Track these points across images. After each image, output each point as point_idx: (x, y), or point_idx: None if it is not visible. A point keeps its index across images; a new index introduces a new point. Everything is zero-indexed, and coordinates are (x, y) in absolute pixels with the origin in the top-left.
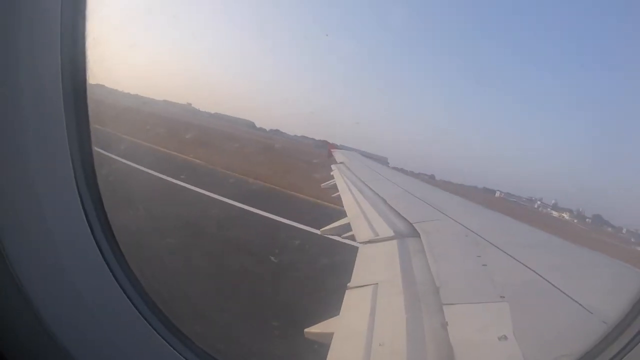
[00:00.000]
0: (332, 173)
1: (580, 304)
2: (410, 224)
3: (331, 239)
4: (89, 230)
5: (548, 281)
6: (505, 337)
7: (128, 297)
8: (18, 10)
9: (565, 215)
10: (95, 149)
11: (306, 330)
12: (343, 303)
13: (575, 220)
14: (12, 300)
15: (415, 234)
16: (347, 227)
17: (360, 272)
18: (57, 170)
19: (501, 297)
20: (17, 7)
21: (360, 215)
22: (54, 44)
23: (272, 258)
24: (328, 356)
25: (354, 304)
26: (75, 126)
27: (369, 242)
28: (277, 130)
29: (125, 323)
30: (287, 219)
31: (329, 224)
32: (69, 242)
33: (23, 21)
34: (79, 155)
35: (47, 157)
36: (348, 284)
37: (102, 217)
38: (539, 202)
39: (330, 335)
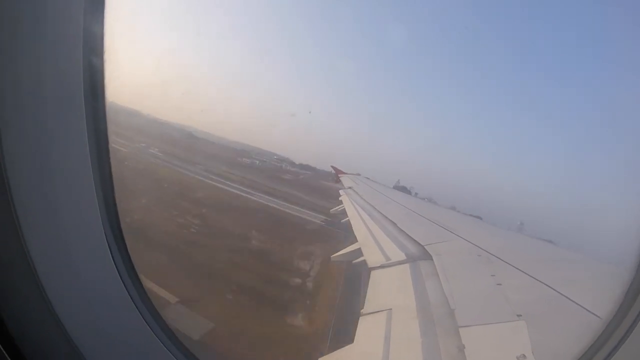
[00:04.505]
0: (340, 198)
1: (599, 317)
2: (422, 246)
3: None
4: (104, 235)
5: (564, 295)
6: (524, 357)
7: (130, 297)
8: (43, 20)
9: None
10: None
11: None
12: (357, 330)
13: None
14: (30, 297)
15: (427, 256)
16: (358, 253)
17: (373, 297)
18: (76, 170)
19: (518, 315)
20: (43, 17)
21: (370, 240)
22: (77, 49)
23: None
24: None
25: (368, 331)
26: (94, 132)
27: (381, 266)
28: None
29: (126, 321)
30: None
31: None
32: (85, 249)
33: (48, 30)
34: (97, 157)
35: (66, 157)
36: (361, 311)
37: (115, 224)
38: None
39: None
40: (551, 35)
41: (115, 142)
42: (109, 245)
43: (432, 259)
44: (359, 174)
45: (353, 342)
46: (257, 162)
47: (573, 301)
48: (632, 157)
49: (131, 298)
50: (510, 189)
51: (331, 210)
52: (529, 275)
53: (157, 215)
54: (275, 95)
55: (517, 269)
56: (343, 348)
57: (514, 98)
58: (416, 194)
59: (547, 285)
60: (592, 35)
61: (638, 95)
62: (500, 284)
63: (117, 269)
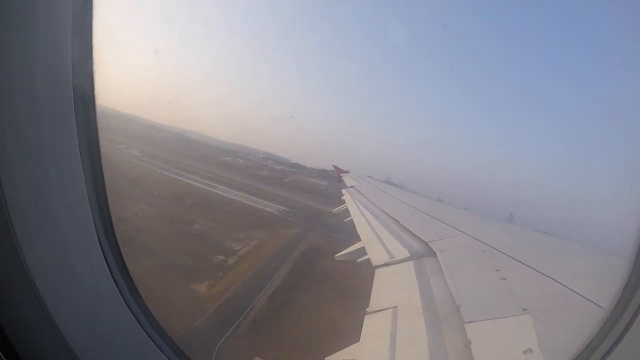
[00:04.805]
0: (343, 198)
1: (604, 308)
2: (425, 243)
3: None
4: (95, 233)
5: (569, 288)
6: (530, 350)
7: (123, 298)
8: (33, 25)
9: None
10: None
11: (327, 358)
12: (363, 329)
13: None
14: (25, 298)
15: (431, 252)
16: (362, 252)
17: (378, 296)
18: (68, 171)
19: (523, 309)
20: (33, 22)
21: (374, 238)
22: (66, 50)
23: None
24: None
25: (374, 329)
26: (85, 131)
27: (385, 264)
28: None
29: (120, 321)
30: None
31: None
32: (78, 250)
33: (39, 35)
34: (88, 158)
35: (58, 158)
36: (367, 309)
37: (106, 221)
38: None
39: None
40: (535, 29)
41: (104, 142)
42: (101, 246)
43: (436, 256)
44: (348, 171)
45: (359, 340)
46: (240, 160)
47: (578, 293)
48: (631, 155)
49: (124, 299)
50: (503, 180)
51: (334, 210)
52: (533, 268)
53: (149, 208)
54: (265, 95)
55: (521, 262)
56: (349, 347)
57: (506, 94)
58: (402, 189)
59: (551, 278)
60: (581, 29)
61: (621, 83)
62: (504, 279)
63: (110, 270)
